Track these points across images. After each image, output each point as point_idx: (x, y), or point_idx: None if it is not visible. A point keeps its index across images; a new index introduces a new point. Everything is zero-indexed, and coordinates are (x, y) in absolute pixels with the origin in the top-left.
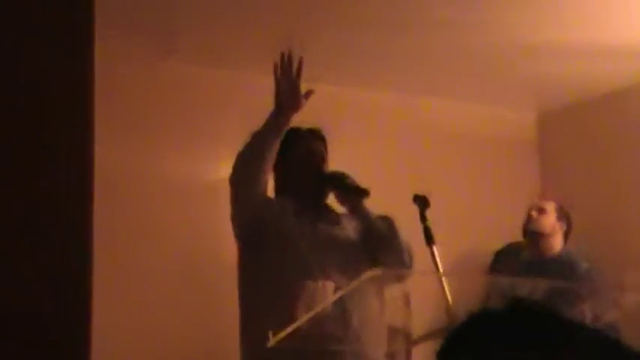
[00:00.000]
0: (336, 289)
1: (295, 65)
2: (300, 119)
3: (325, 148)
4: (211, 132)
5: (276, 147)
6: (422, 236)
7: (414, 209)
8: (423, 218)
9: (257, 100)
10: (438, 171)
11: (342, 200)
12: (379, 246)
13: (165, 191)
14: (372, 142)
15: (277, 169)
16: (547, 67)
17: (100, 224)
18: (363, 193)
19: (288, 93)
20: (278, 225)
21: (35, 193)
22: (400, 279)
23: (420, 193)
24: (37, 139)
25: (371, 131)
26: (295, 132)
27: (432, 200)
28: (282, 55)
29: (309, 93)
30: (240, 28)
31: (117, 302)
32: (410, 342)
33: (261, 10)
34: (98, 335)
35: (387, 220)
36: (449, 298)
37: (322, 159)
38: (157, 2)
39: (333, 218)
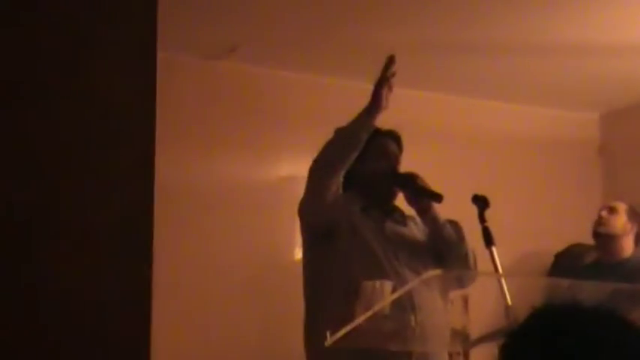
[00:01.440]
0: (398, 287)
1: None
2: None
3: (400, 150)
4: (271, 132)
5: (362, 145)
6: (481, 237)
7: (474, 210)
8: (482, 219)
9: (316, 100)
10: (498, 172)
11: (411, 202)
12: (446, 251)
13: (226, 192)
14: (435, 144)
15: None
16: (610, 67)
17: (162, 228)
18: (436, 197)
19: (387, 93)
20: (348, 220)
21: (96, 202)
22: (463, 285)
23: (480, 193)
24: (98, 147)
25: (434, 133)
26: (373, 131)
27: (492, 201)
28: (390, 57)
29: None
30: (301, 30)
31: (179, 307)
32: (468, 344)
33: (324, 11)
34: (158, 335)
35: (455, 226)
36: (508, 299)
37: (396, 160)
38: (214, 3)
39: (400, 218)
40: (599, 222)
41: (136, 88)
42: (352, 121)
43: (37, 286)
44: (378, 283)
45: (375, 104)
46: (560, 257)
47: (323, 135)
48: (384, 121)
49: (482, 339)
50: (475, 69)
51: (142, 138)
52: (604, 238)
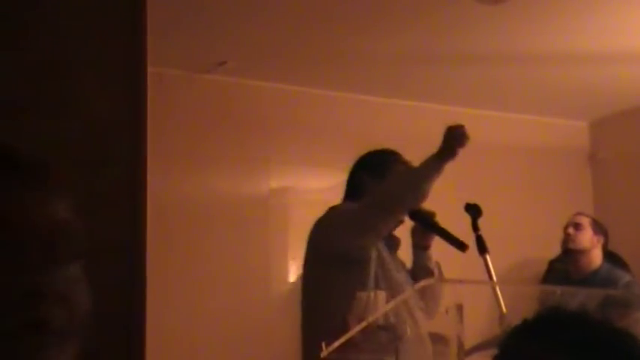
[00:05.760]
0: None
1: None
2: (348, 129)
3: None
4: (260, 144)
5: (428, 194)
6: (474, 245)
7: (467, 219)
8: (476, 227)
9: (305, 112)
10: (490, 181)
11: (417, 235)
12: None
13: (217, 204)
14: (426, 154)
15: (366, 187)
16: (598, 75)
17: (153, 242)
18: (463, 247)
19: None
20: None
21: (87, 219)
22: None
23: (472, 202)
24: (89, 163)
25: (426, 143)
26: (396, 156)
27: (484, 210)
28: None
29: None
30: (289, 43)
31: (170, 321)
32: (463, 352)
33: (312, 24)
34: (151, 349)
35: (437, 266)
36: (503, 307)
37: None
38: (203, 18)
39: (397, 244)
40: (568, 239)
41: (126, 103)
42: (421, 167)
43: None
44: (372, 294)
45: (448, 154)
46: (553, 264)
47: (312, 146)
48: (375, 130)
49: (477, 348)
50: (465, 79)
51: (133, 152)
52: (574, 254)
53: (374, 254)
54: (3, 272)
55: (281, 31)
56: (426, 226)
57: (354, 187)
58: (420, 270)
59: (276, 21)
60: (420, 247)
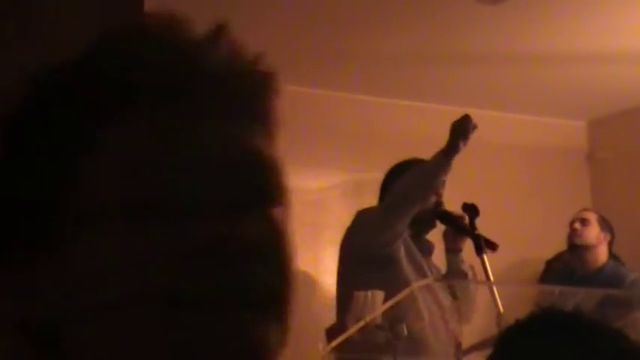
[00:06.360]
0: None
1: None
2: (353, 128)
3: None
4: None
5: (441, 186)
6: (472, 245)
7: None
8: (473, 227)
9: (306, 113)
10: (488, 180)
11: (449, 239)
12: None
13: None
14: (424, 153)
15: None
16: (596, 75)
17: None
18: (494, 246)
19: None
20: (405, 247)
21: None
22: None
23: (470, 201)
24: None
25: (423, 142)
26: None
27: (482, 209)
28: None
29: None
30: (298, 43)
31: None
32: (460, 352)
33: (321, 24)
34: None
35: (471, 269)
36: (500, 307)
37: (440, 197)
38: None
39: (431, 248)
40: (574, 234)
41: None
42: (428, 163)
43: None
44: (369, 293)
45: (453, 150)
46: (550, 264)
47: (312, 146)
48: (375, 130)
49: (475, 347)
50: (465, 79)
51: None
52: (580, 250)
53: (403, 254)
54: (189, 223)
55: (281, 31)
56: (457, 229)
57: (383, 193)
58: (454, 274)
59: (276, 21)
60: (452, 250)
